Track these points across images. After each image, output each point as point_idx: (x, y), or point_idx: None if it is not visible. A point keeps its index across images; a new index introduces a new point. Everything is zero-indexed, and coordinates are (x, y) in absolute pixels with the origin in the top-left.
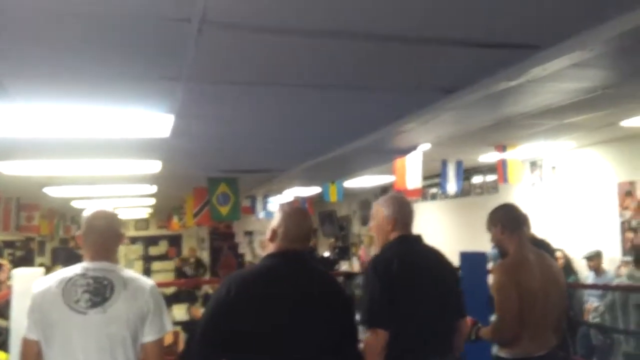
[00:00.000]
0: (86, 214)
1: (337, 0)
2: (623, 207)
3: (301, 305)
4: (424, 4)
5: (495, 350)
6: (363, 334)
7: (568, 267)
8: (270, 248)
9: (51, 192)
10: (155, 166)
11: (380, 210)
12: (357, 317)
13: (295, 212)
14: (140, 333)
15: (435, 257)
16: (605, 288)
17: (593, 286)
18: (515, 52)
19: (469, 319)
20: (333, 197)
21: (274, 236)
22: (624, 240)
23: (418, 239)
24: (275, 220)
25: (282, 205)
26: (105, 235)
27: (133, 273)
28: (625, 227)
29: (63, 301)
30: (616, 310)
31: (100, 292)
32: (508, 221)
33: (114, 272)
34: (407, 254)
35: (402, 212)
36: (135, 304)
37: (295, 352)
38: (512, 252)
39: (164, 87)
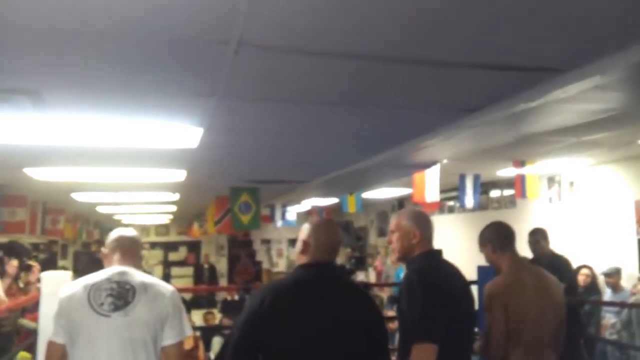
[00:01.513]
0: (115, 233)
1: (366, 25)
2: None
3: (334, 318)
4: (449, 30)
5: None
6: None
7: (593, 285)
8: (302, 259)
9: (78, 197)
10: (180, 175)
11: (404, 223)
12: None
13: (325, 223)
14: (160, 336)
15: (457, 271)
16: (623, 305)
17: (610, 303)
18: (535, 75)
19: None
20: (352, 207)
21: (306, 248)
22: None
23: (441, 253)
24: (305, 232)
25: (311, 217)
26: (131, 244)
27: (154, 278)
28: None
29: (88, 305)
30: (633, 327)
31: (122, 295)
32: (497, 240)
33: (136, 277)
34: (441, 269)
35: (427, 226)
36: (155, 307)
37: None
38: (504, 271)
39: (197, 102)
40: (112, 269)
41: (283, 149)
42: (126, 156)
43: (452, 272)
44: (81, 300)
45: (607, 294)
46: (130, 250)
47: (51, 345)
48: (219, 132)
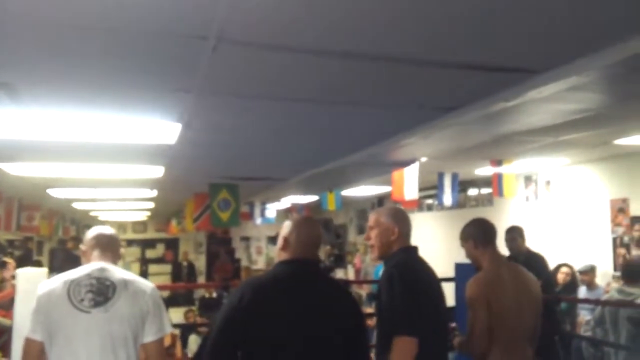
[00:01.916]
0: (94, 231)
1: (345, 22)
2: (615, 224)
3: (314, 314)
4: (427, 30)
5: None
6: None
7: (573, 284)
8: (283, 256)
9: (54, 193)
10: (158, 171)
11: (383, 220)
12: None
13: (306, 220)
14: (141, 333)
15: (430, 268)
16: (597, 303)
17: (584, 300)
18: (513, 75)
19: (450, 325)
20: (331, 205)
21: (286, 244)
22: (615, 256)
23: (417, 250)
24: (286, 228)
25: (292, 215)
26: (109, 241)
27: (134, 275)
28: (617, 243)
29: (68, 301)
30: (605, 324)
31: (103, 292)
32: (480, 236)
33: (116, 273)
34: (417, 265)
35: (405, 223)
36: (136, 304)
37: (307, 358)
38: (485, 267)
39: (175, 98)
40: (92, 265)
41: (262, 146)
42: (103, 152)
43: (427, 268)
44: (61, 297)
45: (582, 292)
46: (109, 247)
47: (28, 342)
48: (197, 128)
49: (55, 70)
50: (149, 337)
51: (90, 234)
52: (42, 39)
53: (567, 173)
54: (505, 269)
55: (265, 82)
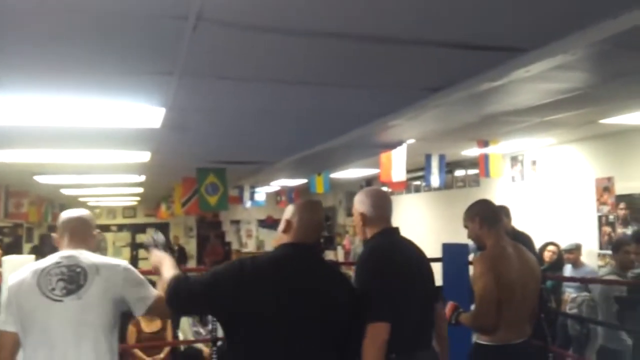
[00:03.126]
0: (62, 216)
1: (327, 2)
2: (601, 202)
3: (311, 297)
4: (412, 8)
5: (474, 337)
6: None
7: (559, 262)
8: (284, 239)
9: (42, 179)
10: (144, 156)
11: (358, 205)
12: None
13: (310, 204)
14: (115, 319)
15: (414, 248)
16: (582, 281)
17: (571, 279)
18: (499, 54)
19: (451, 304)
20: (320, 188)
21: (288, 227)
22: (601, 235)
23: (397, 231)
24: (289, 212)
25: (296, 198)
26: (79, 225)
27: (105, 258)
28: (603, 221)
29: (39, 290)
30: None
31: (74, 279)
32: (487, 215)
33: (87, 259)
34: (396, 247)
35: (381, 206)
36: (109, 288)
37: (297, 342)
38: (491, 245)
39: (157, 81)
40: (61, 253)
41: (248, 129)
42: (89, 137)
43: (408, 249)
44: (30, 286)
45: (567, 270)
46: (79, 231)
47: (2, 334)
48: (181, 111)
49: (34, 55)
50: (139, 311)
51: (60, 219)
52: (20, 24)
53: (553, 153)
54: (511, 247)
55: (249, 64)
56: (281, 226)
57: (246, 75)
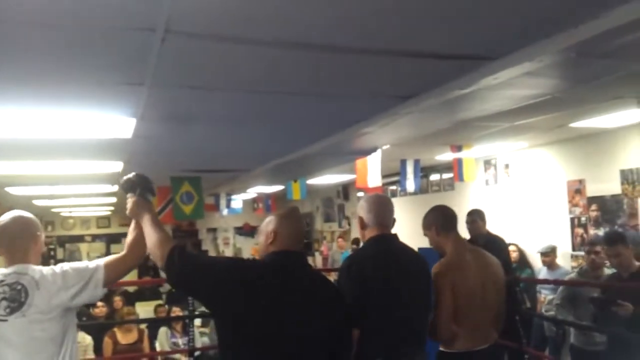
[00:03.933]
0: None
1: (294, 12)
2: (573, 204)
3: (305, 303)
4: (378, 18)
5: (440, 345)
6: None
7: (523, 261)
8: (270, 249)
9: (13, 191)
10: (116, 166)
11: (358, 212)
12: None
13: (292, 213)
14: (66, 326)
15: (407, 256)
16: (557, 283)
17: (545, 281)
18: (466, 62)
19: None
20: (297, 195)
21: (275, 238)
22: (573, 236)
23: (391, 238)
24: (273, 222)
25: (273, 205)
26: (19, 238)
27: (43, 268)
28: (575, 223)
29: None
30: (577, 301)
31: (15, 297)
32: (441, 222)
33: (27, 274)
34: (379, 255)
35: (377, 212)
36: (53, 298)
37: (288, 346)
38: (449, 252)
39: (127, 91)
40: (2, 270)
41: (221, 137)
42: (60, 148)
43: (394, 256)
44: None
45: (543, 272)
46: (14, 244)
47: None
48: (152, 121)
49: (4, 66)
50: (95, 294)
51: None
52: None
53: (525, 156)
54: (469, 253)
55: (220, 74)
56: (267, 238)
57: (217, 85)
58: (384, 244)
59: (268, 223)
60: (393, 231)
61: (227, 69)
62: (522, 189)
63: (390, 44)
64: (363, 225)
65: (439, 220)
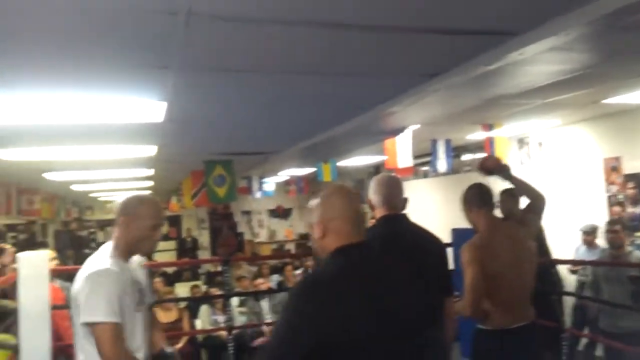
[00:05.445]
0: None
1: None
2: (609, 182)
3: (391, 300)
4: None
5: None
6: None
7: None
8: (326, 246)
9: (51, 176)
10: (151, 150)
11: (368, 193)
12: None
13: (339, 191)
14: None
15: (417, 236)
16: (593, 263)
17: (581, 262)
18: (491, 38)
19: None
20: (327, 176)
21: (325, 231)
22: (610, 215)
23: (398, 218)
24: (317, 210)
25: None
26: None
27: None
28: (612, 201)
29: None
30: (600, 284)
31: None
32: (473, 199)
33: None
34: (385, 237)
35: (384, 192)
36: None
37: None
38: (481, 230)
39: (155, 75)
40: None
41: (251, 119)
42: (93, 133)
43: (402, 238)
44: None
45: (582, 250)
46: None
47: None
48: (182, 105)
49: (35, 54)
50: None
51: None
52: (20, 25)
53: (559, 134)
54: (501, 230)
55: (245, 56)
56: (316, 232)
57: (245, 67)
58: (392, 224)
59: (312, 211)
60: (409, 212)
61: (255, 50)
62: (557, 168)
63: (413, 21)
64: (372, 207)
65: (472, 196)
